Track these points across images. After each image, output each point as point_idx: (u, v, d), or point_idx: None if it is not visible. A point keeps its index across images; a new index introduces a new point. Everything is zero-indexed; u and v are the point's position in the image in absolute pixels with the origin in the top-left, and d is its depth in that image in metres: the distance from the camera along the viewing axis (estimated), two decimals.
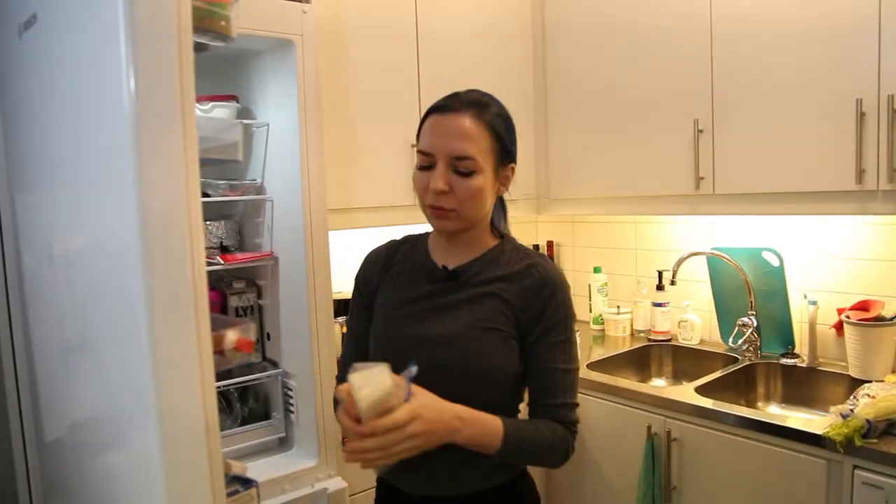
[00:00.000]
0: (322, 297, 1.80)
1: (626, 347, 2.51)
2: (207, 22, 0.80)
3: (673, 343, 2.52)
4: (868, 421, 1.57)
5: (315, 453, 1.78)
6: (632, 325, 2.67)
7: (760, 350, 2.26)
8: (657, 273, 2.47)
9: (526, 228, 3.04)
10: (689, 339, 2.47)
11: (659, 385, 2.45)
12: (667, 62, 2.15)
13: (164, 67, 0.68)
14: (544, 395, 1.21)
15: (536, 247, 2.98)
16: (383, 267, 1.31)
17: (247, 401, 1.88)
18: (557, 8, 2.50)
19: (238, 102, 1.82)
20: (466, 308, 1.21)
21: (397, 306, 1.26)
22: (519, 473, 1.27)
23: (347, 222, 2.06)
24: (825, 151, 1.81)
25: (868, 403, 1.63)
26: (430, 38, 2.24)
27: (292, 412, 1.86)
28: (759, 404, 2.20)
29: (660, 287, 2.49)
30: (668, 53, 2.15)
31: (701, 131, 2.07)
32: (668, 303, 2.52)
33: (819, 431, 1.63)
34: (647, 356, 2.52)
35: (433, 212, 1.19)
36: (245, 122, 1.81)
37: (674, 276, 2.30)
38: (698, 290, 2.49)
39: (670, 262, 2.38)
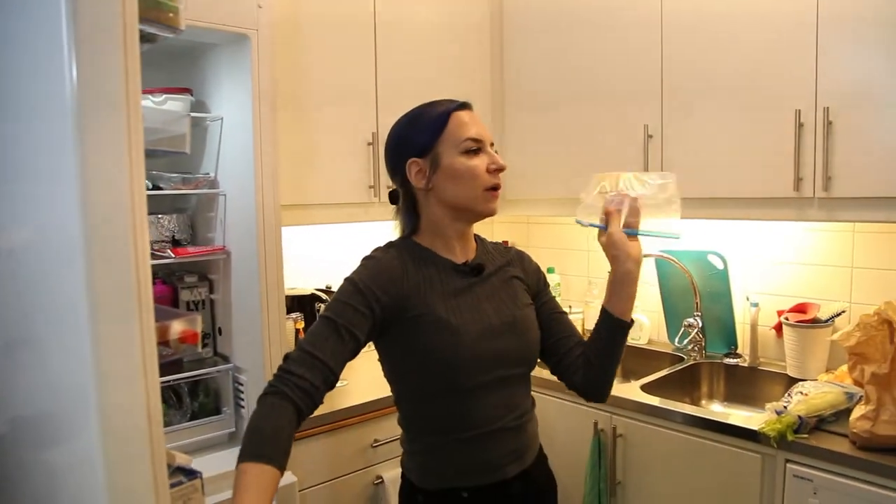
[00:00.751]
0: (274, 293, 1.80)
1: None
2: (154, 13, 0.80)
3: None
4: (800, 417, 1.65)
5: None
6: (583, 325, 2.72)
7: (705, 350, 2.34)
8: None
9: (481, 229, 2.99)
10: (638, 338, 2.54)
11: None
12: (620, 70, 2.21)
13: (108, 55, 0.68)
14: (569, 332, 1.41)
15: None
16: (403, 276, 1.27)
17: (197, 395, 1.87)
18: (515, 9, 2.54)
19: (192, 95, 1.81)
20: (504, 294, 1.34)
21: (450, 311, 1.26)
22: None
23: (301, 218, 2.06)
24: (766, 159, 1.88)
25: (801, 401, 1.70)
26: (388, 33, 2.25)
27: (243, 407, 1.86)
28: (703, 402, 2.28)
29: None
30: (622, 61, 2.20)
31: (651, 136, 2.13)
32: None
33: (755, 427, 1.69)
34: None
35: (493, 193, 1.29)
36: (197, 115, 1.80)
37: None
38: (647, 291, 2.56)
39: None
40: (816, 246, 2.13)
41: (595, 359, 1.34)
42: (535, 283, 1.42)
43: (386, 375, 1.35)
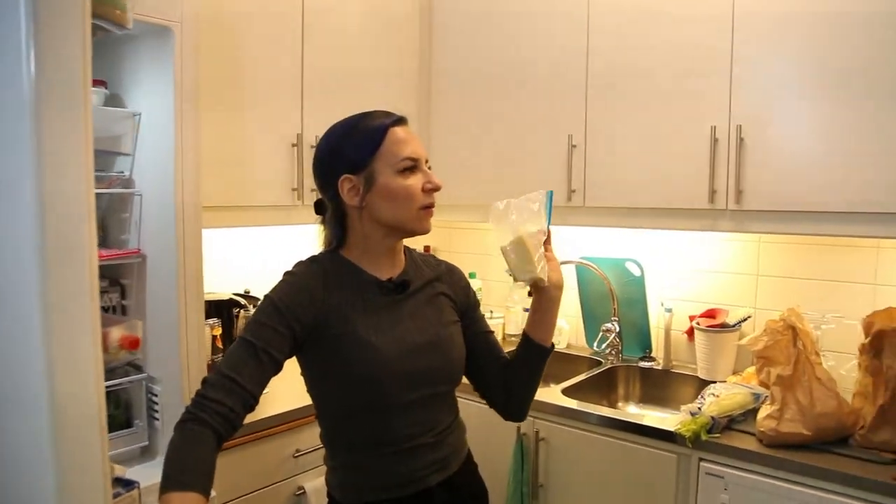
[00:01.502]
0: (193, 299, 1.72)
1: None
2: (102, 9, 0.74)
3: None
4: (713, 418, 1.73)
5: None
6: (503, 330, 2.76)
7: (622, 354, 2.42)
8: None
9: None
10: (558, 343, 2.60)
11: None
12: (546, 80, 2.26)
13: (68, 50, 0.64)
14: (496, 353, 1.42)
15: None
16: (325, 295, 1.25)
17: (107, 407, 1.76)
18: (442, 19, 2.55)
19: (107, 89, 1.70)
20: (428, 311, 1.33)
21: (371, 330, 1.25)
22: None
23: (222, 220, 1.97)
24: (683, 172, 1.97)
25: (713, 402, 1.79)
26: (314, 31, 2.19)
27: (157, 420, 1.76)
28: (620, 404, 2.36)
29: (531, 293, 2.59)
30: (548, 72, 2.25)
31: (574, 146, 2.19)
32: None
33: (671, 428, 1.77)
34: None
35: (427, 212, 1.27)
36: (111, 109, 1.70)
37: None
38: (566, 297, 2.62)
39: None
40: (726, 255, 2.26)
41: (516, 382, 1.38)
42: (463, 301, 1.40)
43: (308, 390, 1.33)
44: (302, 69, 2.18)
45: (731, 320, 2.15)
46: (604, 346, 2.43)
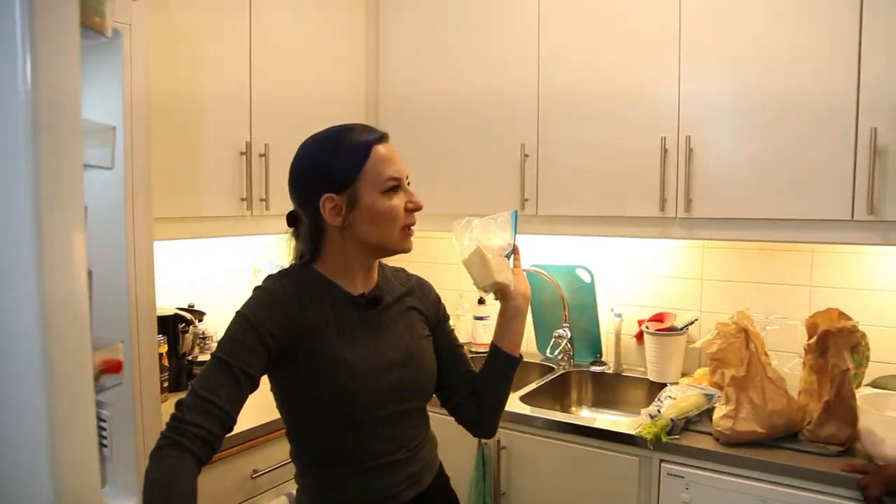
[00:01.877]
0: (145, 316, 1.63)
1: None
2: (82, 16, 0.69)
3: None
4: (672, 420, 1.79)
5: (134, 491, 1.60)
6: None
7: (573, 359, 2.47)
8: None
9: None
10: None
11: None
12: (498, 93, 2.28)
13: (65, 57, 0.58)
14: (465, 367, 1.42)
15: None
16: (298, 311, 1.22)
17: None
18: (390, 31, 2.53)
19: None
20: (401, 326, 1.32)
21: (345, 345, 1.23)
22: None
23: (171, 233, 1.89)
24: (635, 181, 2.03)
25: (671, 405, 1.85)
26: (263, 39, 2.13)
27: (105, 446, 1.65)
28: (573, 409, 2.40)
29: (481, 301, 2.61)
30: (500, 85, 2.27)
31: (527, 156, 2.22)
32: (488, 316, 2.65)
33: (633, 432, 1.81)
34: None
35: (409, 231, 1.27)
36: (91, 121, 1.58)
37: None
38: None
39: None
40: (672, 261, 2.34)
41: (485, 395, 1.38)
42: (433, 315, 1.41)
43: (278, 407, 1.30)
44: (250, 82, 2.10)
45: (678, 324, 2.23)
46: (556, 352, 2.47)
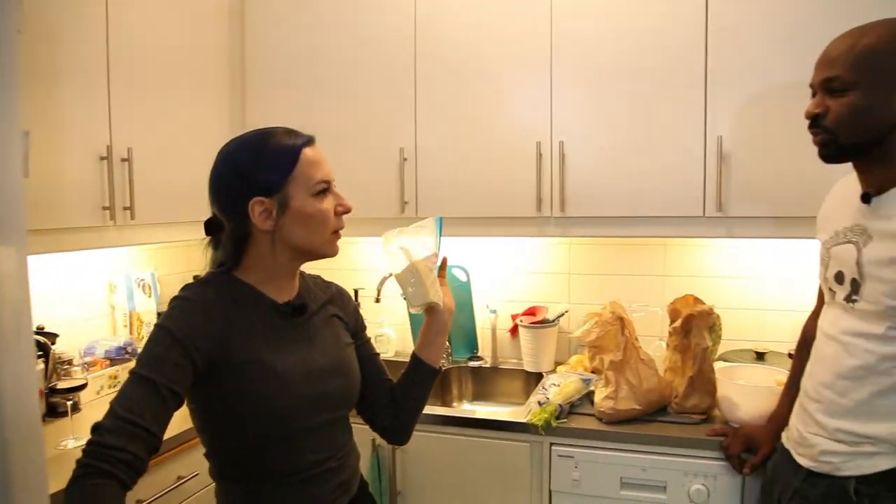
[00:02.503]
0: (25, 345, 1.43)
1: None
2: None
3: None
4: (559, 405, 1.92)
5: None
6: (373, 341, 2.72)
7: (451, 356, 2.55)
8: (353, 291, 2.60)
9: None
10: (386, 352, 2.64)
11: None
12: (376, 98, 2.30)
13: None
14: (384, 375, 1.45)
15: None
16: (222, 321, 1.17)
17: None
18: (258, 39, 2.45)
19: None
20: (327, 334, 1.32)
21: (274, 355, 1.21)
22: None
23: (52, 245, 1.76)
24: (512, 184, 2.15)
25: (557, 391, 1.99)
26: (120, 31, 1.96)
27: None
28: (454, 404, 2.48)
29: (377, 301, 2.60)
30: (377, 90, 2.29)
31: (405, 160, 2.26)
32: (365, 319, 2.64)
33: (524, 419, 1.92)
34: None
35: (337, 235, 1.27)
36: None
37: (378, 295, 2.44)
38: (392, 306, 2.68)
39: (365, 280, 2.57)
40: (541, 257, 2.51)
41: (404, 404, 1.42)
42: (353, 323, 1.42)
43: (197, 423, 1.24)
44: (108, 72, 1.93)
45: (550, 316, 2.39)
46: None
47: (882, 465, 1.30)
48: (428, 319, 1.41)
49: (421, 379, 1.41)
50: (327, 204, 1.23)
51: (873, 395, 1.31)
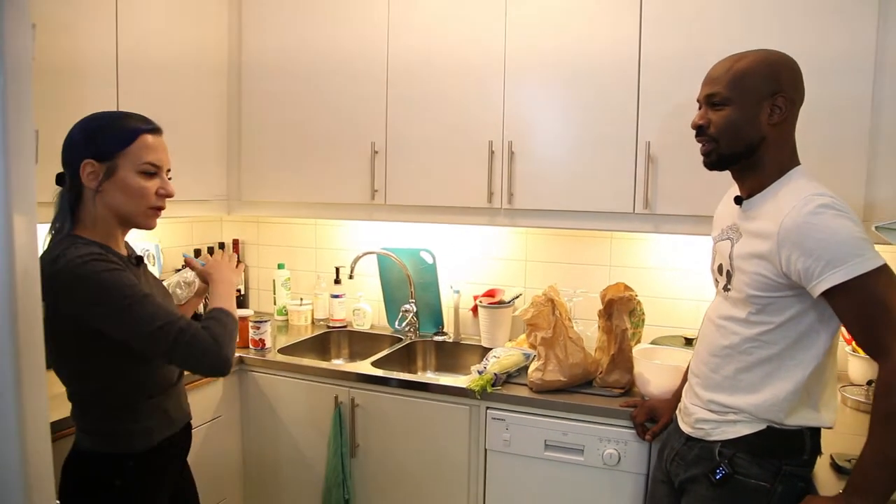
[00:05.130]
0: (29, 299, 1.73)
1: (309, 334, 2.85)
2: None
3: (349, 329, 2.95)
4: (495, 374, 2.17)
5: None
6: (312, 315, 3.01)
7: (419, 330, 2.81)
8: (335, 269, 2.87)
9: (210, 227, 3.15)
10: (362, 324, 2.92)
11: (340, 364, 2.84)
12: (352, 97, 2.55)
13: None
14: None
15: (222, 244, 3.13)
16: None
17: None
18: (253, 44, 2.71)
19: None
20: (155, 280, 1.68)
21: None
22: None
23: None
24: (467, 177, 2.39)
25: (495, 362, 2.24)
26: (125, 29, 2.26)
27: None
28: (419, 373, 2.75)
29: (337, 281, 2.88)
30: (353, 90, 2.55)
31: (377, 152, 2.51)
32: (343, 294, 2.93)
33: (463, 385, 2.18)
34: (327, 341, 2.90)
35: (155, 212, 1.51)
36: None
37: (352, 272, 2.72)
38: (368, 283, 2.96)
39: (345, 259, 2.84)
40: (501, 244, 2.75)
41: None
42: None
43: (69, 354, 1.43)
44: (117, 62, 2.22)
45: (506, 298, 2.63)
46: (403, 324, 2.80)
47: (742, 431, 1.52)
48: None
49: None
50: (150, 184, 1.47)
51: (737, 371, 1.53)
